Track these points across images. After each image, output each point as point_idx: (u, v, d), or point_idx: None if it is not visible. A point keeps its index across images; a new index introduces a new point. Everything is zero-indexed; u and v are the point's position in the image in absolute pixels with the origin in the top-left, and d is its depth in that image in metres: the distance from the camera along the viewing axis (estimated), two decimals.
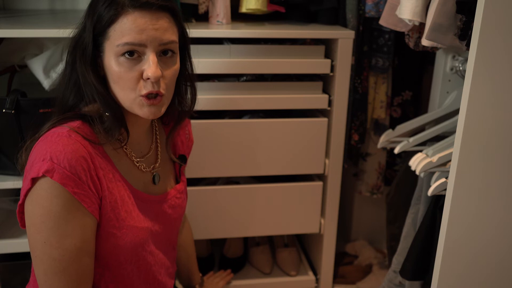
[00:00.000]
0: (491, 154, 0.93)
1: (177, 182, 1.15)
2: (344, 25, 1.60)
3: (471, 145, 0.92)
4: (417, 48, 1.38)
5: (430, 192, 1.20)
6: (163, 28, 0.91)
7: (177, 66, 0.97)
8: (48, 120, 0.95)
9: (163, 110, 0.97)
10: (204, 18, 1.56)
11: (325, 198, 1.65)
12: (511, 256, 1.01)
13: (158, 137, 1.11)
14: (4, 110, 1.31)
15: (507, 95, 0.90)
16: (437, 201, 1.24)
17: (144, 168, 1.04)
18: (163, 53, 0.94)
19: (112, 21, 0.90)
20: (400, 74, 1.80)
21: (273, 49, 1.48)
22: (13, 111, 1.30)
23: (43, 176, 0.85)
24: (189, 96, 1.09)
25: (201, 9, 1.53)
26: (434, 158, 1.26)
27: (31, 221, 0.89)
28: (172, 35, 0.94)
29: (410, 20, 1.23)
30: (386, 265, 1.96)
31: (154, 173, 1.07)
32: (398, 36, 1.66)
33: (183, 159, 1.17)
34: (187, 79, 1.07)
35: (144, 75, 0.91)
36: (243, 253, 1.85)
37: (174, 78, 0.97)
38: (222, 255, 1.84)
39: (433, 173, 1.27)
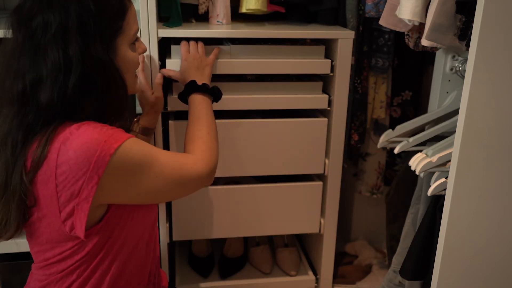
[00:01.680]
0: (491, 154, 0.93)
1: None
2: (344, 25, 1.60)
3: (471, 145, 0.92)
4: (417, 48, 1.38)
5: (430, 192, 1.20)
6: None
7: None
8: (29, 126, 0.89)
9: None
10: (204, 18, 1.56)
11: (325, 198, 1.65)
12: (511, 256, 1.01)
13: None
14: None
15: (507, 95, 0.90)
16: (437, 201, 1.24)
17: None
18: None
19: (124, 14, 0.94)
20: (400, 74, 1.80)
21: (274, 49, 1.47)
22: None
23: (116, 150, 0.87)
24: None
25: (201, 9, 1.53)
26: (434, 158, 1.26)
27: (135, 187, 0.93)
28: None
29: (410, 20, 1.23)
30: (386, 265, 1.96)
31: None
32: (398, 36, 1.66)
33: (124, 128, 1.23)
34: None
35: (142, 51, 1.07)
36: (243, 253, 1.85)
37: None
38: (222, 255, 1.84)
39: (433, 173, 1.27)
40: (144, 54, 1.35)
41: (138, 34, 1.02)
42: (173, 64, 1.38)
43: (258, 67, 1.46)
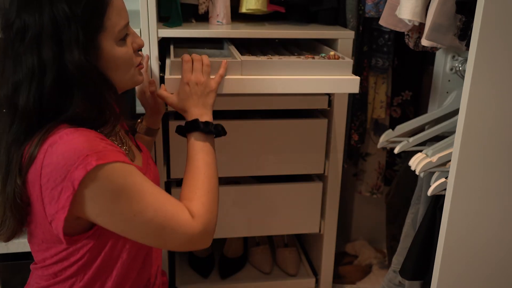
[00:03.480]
0: (491, 154, 0.93)
1: (141, 151, 1.16)
2: (344, 25, 1.60)
3: (471, 145, 0.92)
4: (417, 48, 1.38)
5: (430, 192, 1.20)
6: None
7: None
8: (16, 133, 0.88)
9: None
10: (204, 18, 1.56)
11: (325, 198, 1.65)
12: (511, 256, 1.01)
13: None
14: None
15: (507, 95, 0.90)
16: (437, 201, 1.24)
17: (123, 149, 1.04)
18: None
19: (104, 11, 0.89)
20: (400, 74, 1.80)
21: (292, 64, 1.21)
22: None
23: (95, 167, 0.82)
24: None
25: (201, 9, 1.53)
26: (434, 158, 1.26)
27: (105, 215, 0.87)
28: None
29: (410, 20, 1.23)
30: (386, 265, 1.96)
31: (128, 150, 1.08)
32: (398, 36, 1.66)
33: (130, 128, 1.21)
34: None
35: (136, 46, 1.00)
36: (243, 253, 1.85)
37: None
38: (222, 255, 1.84)
39: (433, 173, 1.27)
40: (145, 54, 1.35)
41: (138, 34, 1.00)
42: (171, 83, 1.15)
43: (273, 86, 1.21)
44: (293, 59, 1.27)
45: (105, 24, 0.90)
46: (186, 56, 1.12)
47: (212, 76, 1.14)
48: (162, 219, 0.90)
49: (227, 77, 1.18)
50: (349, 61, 1.24)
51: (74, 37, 0.85)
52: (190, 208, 0.94)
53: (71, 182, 0.82)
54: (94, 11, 0.88)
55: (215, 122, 1.11)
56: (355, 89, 1.23)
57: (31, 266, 1.02)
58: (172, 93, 1.14)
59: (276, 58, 1.27)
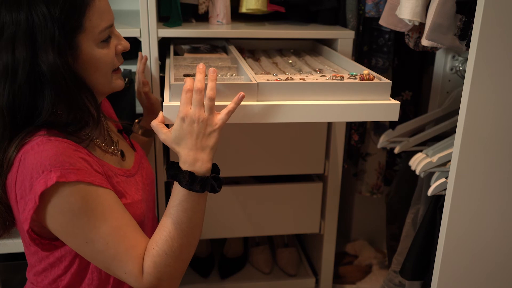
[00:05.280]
0: (491, 154, 0.93)
1: (135, 150, 1.15)
2: (344, 25, 1.60)
3: (471, 145, 0.92)
4: (417, 48, 1.38)
5: (430, 192, 1.20)
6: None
7: None
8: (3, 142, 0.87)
9: None
10: (204, 18, 1.56)
11: (325, 198, 1.65)
12: (511, 256, 1.01)
13: (102, 116, 1.08)
14: None
15: (507, 95, 0.90)
16: (437, 201, 1.24)
17: (111, 150, 1.02)
18: None
19: (83, 12, 0.87)
20: (400, 74, 1.80)
21: (317, 86, 1.02)
22: None
23: (56, 184, 0.81)
24: None
25: (201, 9, 1.53)
26: (434, 158, 1.26)
27: (63, 233, 0.87)
28: None
29: (410, 20, 1.23)
30: (386, 265, 1.96)
31: (119, 150, 1.06)
32: (398, 36, 1.66)
33: (125, 129, 1.18)
34: None
35: (121, 49, 0.96)
36: (243, 253, 1.85)
37: None
38: (222, 255, 1.84)
39: (433, 173, 1.27)
40: (145, 54, 1.35)
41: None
42: (171, 111, 0.95)
43: (295, 114, 1.00)
44: (320, 80, 1.04)
45: (85, 25, 0.88)
46: (188, 83, 0.90)
47: (219, 102, 0.94)
48: (110, 256, 0.87)
49: (242, 103, 0.95)
50: (388, 82, 1.04)
51: (50, 37, 0.83)
52: (144, 262, 0.88)
53: (34, 195, 0.82)
54: (73, 12, 0.86)
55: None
56: (395, 116, 1.03)
57: (27, 270, 1.02)
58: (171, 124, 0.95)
59: (297, 78, 1.08)
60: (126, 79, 1.43)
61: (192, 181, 0.88)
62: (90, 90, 0.92)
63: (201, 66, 0.91)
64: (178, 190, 0.90)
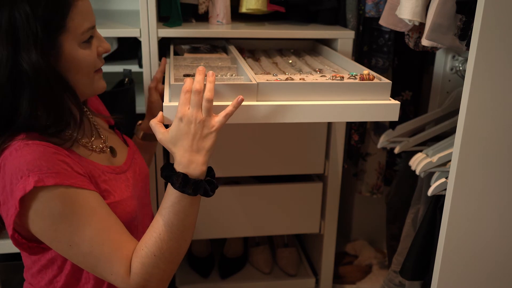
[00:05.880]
0: (491, 154, 0.93)
1: (127, 146, 1.14)
2: (344, 25, 1.60)
3: (471, 145, 0.92)
4: (417, 48, 1.38)
5: (430, 192, 1.20)
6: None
7: None
8: None
9: None
10: (204, 18, 1.56)
11: (325, 198, 1.65)
12: (511, 256, 1.01)
13: (88, 113, 1.07)
14: None
15: (507, 95, 0.90)
16: (437, 201, 1.24)
17: (98, 148, 1.02)
18: None
19: (66, 12, 0.87)
20: (400, 74, 1.80)
21: (318, 86, 1.02)
22: None
23: (34, 189, 0.81)
24: None
25: (201, 9, 1.53)
26: (434, 158, 1.26)
27: (46, 237, 0.86)
28: None
29: (410, 20, 1.23)
30: (386, 265, 1.96)
31: (109, 147, 1.05)
32: (398, 36, 1.66)
33: (116, 124, 1.17)
34: None
35: (102, 50, 0.96)
36: (243, 253, 1.85)
37: None
38: (222, 255, 1.84)
39: (433, 173, 1.27)
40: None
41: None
42: (171, 112, 0.95)
43: (295, 114, 1.00)
44: (320, 80, 1.04)
45: (67, 25, 0.87)
46: (187, 83, 0.90)
47: (218, 103, 0.94)
48: (95, 258, 0.86)
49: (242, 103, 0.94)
50: (388, 82, 1.04)
51: (33, 37, 0.83)
52: (132, 262, 0.88)
53: (14, 201, 0.82)
54: (56, 12, 0.86)
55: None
56: (395, 117, 1.03)
57: (24, 275, 1.02)
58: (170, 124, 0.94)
59: (297, 78, 1.08)
60: (126, 79, 1.44)
61: (185, 184, 0.87)
62: (73, 90, 0.92)
63: (201, 68, 0.91)
64: (171, 192, 0.89)
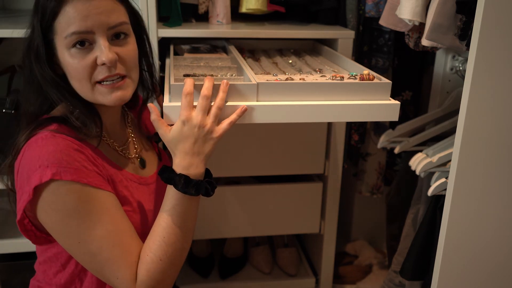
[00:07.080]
0: (491, 154, 0.93)
1: (160, 160, 1.14)
2: (344, 25, 1.60)
3: (471, 145, 0.92)
4: (417, 48, 1.38)
5: (430, 192, 1.20)
6: (107, 11, 0.87)
7: (133, 47, 0.93)
8: (19, 131, 0.91)
9: (130, 93, 0.93)
10: (204, 18, 1.56)
11: (325, 198, 1.65)
12: (511, 256, 1.01)
13: (129, 123, 1.09)
14: (4, 110, 1.31)
15: (507, 95, 0.90)
16: (437, 201, 1.24)
17: (129, 155, 1.02)
18: (115, 37, 0.90)
19: (55, 13, 0.86)
20: (400, 74, 1.80)
21: (318, 86, 1.01)
22: (13, 111, 1.30)
23: (50, 180, 0.82)
24: (147, 74, 1.07)
25: (201, 9, 1.53)
26: (434, 158, 1.26)
27: (55, 230, 0.87)
28: (120, 16, 0.90)
29: (410, 20, 1.23)
30: (386, 265, 1.96)
31: (139, 158, 1.06)
32: (398, 36, 1.66)
33: (157, 136, 1.15)
34: (145, 59, 1.05)
35: (99, 61, 0.87)
36: (243, 253, 1.85)
37: (134, 60, 0.94)
38: (222, 255, 1.84)
39: (433, 173, 1.27)
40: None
41: (100, 49, 0.92)
42: (171, 112, 0.94)
43: (296, 114, 1.00)
44: (320, 80, 1.04)
45: (56, 27, 0.87)
46: (187, 86, 0.90)
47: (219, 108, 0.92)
48: (103, 260, 0.86)
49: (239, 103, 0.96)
50: (388, 82, 1.04)
51: (38, 33, 0.88)
52: (138, 269, 0.88)
53: (29, 188, 0.83)
54: (51, 8, 0.86)
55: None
56: (395, 117, 1.03)
57: (35, 266, 1.03)
58: (171, 124, 0.93)
59: (297, 78, 1.08)
60: None
61: (187, 185, 0.89)
62: (72, 92, 0.93)
63: (210, 77, 0.93)
64: (171, 194, 0.90)
